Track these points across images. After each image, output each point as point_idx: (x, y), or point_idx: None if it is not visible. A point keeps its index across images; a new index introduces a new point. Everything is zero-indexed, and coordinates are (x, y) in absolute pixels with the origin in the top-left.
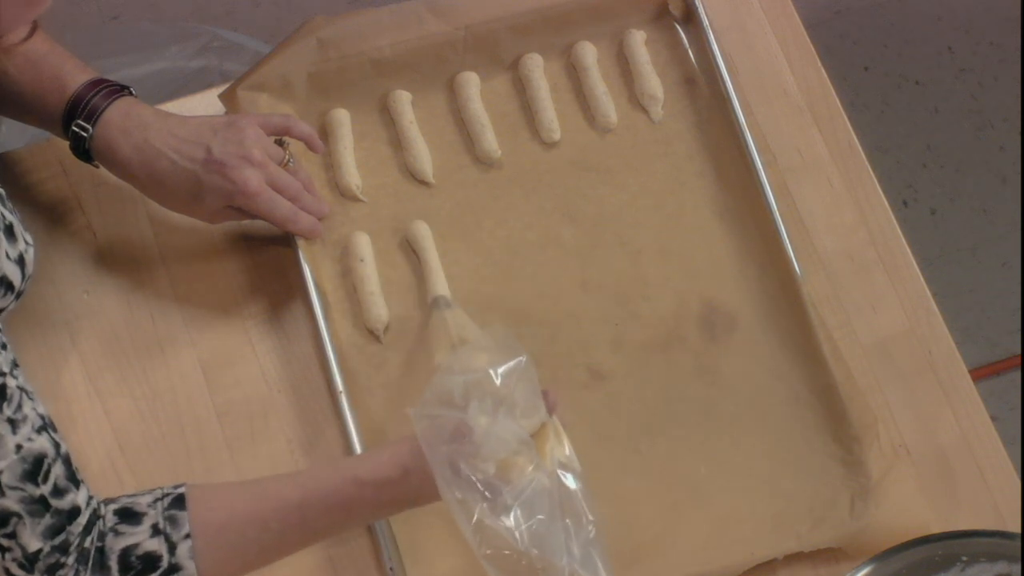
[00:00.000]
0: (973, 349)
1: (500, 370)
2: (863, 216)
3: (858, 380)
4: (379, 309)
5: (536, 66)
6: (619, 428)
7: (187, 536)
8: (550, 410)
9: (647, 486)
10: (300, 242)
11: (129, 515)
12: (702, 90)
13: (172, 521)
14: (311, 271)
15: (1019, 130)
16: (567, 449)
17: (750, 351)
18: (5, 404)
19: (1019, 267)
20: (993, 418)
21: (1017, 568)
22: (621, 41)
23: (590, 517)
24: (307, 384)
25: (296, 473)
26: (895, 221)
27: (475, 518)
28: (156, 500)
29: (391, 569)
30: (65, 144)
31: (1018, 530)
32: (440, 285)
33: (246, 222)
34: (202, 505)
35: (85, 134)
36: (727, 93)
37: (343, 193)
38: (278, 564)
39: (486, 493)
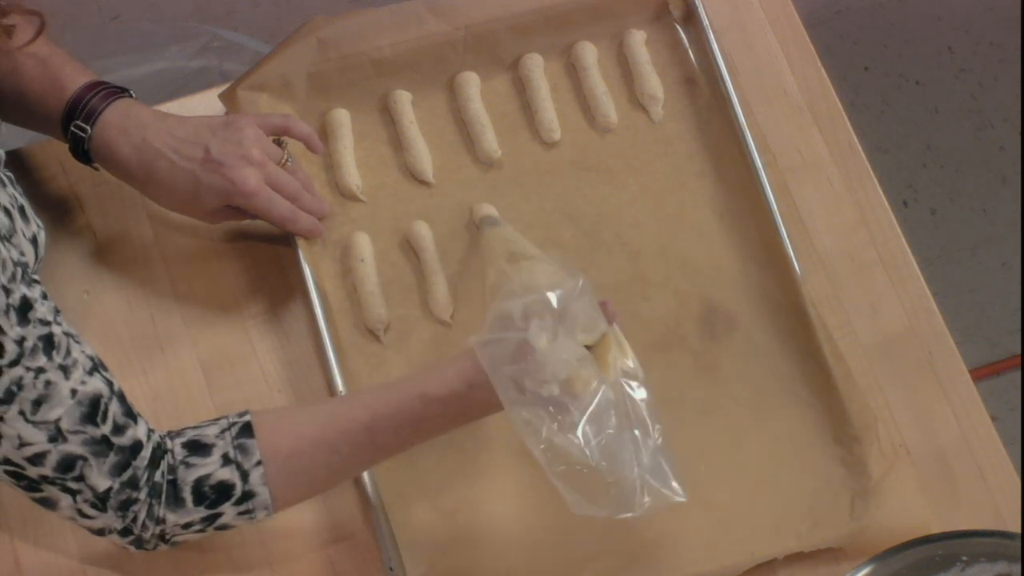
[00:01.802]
0: (973, 349)
1: (557, 293)
2: (863, 216)
3: (858, 380)
4: (379, 309)
5: (536, 66)
6: None
7: (258, 463)
8: (609, 320)
9: None
10: (300, 242)
11: (198, 447)
12: (702, 90)
13: (242, 449)
14: (311, 271)
15: (1019, 130)
16: (630, 358)
17: (750, 351)
18: (55, 352)
19: (1019, 267)
20: (993, 418)
21: (1017, 568)
22: (621, 41)
23: (656, 424)
24: (307, 384)
25: (361, 393)
26: (895, 221)
27: (543, 436)
28: (223, 430)
29: (391, 569)
30: (65, 143)
31: (1018, 530)
32: (440, 285)
33: (246, 222)
34: (270, 432)
35: (84, 135)
36: (727, 93)
37: (343, 193)
38: (278, 563)
39: (552, 410)
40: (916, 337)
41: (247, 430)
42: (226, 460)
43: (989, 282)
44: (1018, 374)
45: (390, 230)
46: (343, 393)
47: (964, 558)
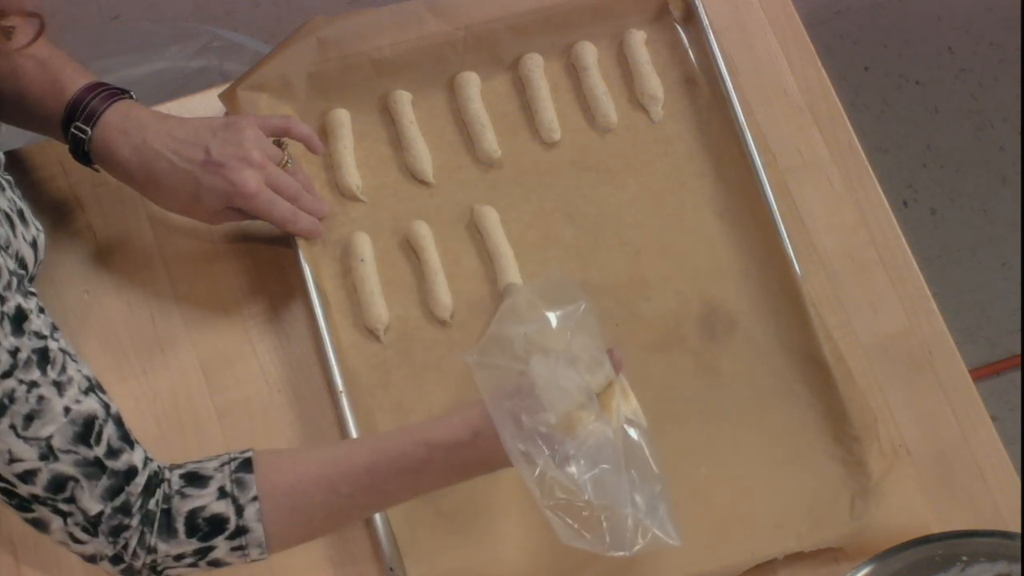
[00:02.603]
0: (973, 349)
1: (558, 313)
2: (863, 216)
3: (858, 380)
4: (379, 309)
5: (536, 66)
6: None
7: (254, 499)
8: (616, 368)
9: None
10: (300, 242)
11: (195, 479)
12: (702, 90)
13: (239, 484)
14: (311, 271)
15: (1019, 130)
16: (634, 405)
17: (750, 351)
18: (49, 367)
19: (1019, 267)
20: (993, 418)
21: (1017, 568)
22: (621, 41)
23: (656, 471)
24: (307, 384)
25: (366, 437)
26: (895, 221)
27: (538, 469)
28: (223, 464)
29: (391, 569)
30: (65, 144)
31: (1018, 530)
32: (440, 285)
33: (246, 223)
34: (270, 468)
35: (84, 136)
36: (727, 93)
37: (343, 193)
38: (278, 562)
39: (549, 445)
40: (916, 337)
41: (247, 465)
42: (222, 493)
43: (989, 282)
44: (1018, 374)
45: (390, 230)
46: (343, 394)
47: (964, 558)
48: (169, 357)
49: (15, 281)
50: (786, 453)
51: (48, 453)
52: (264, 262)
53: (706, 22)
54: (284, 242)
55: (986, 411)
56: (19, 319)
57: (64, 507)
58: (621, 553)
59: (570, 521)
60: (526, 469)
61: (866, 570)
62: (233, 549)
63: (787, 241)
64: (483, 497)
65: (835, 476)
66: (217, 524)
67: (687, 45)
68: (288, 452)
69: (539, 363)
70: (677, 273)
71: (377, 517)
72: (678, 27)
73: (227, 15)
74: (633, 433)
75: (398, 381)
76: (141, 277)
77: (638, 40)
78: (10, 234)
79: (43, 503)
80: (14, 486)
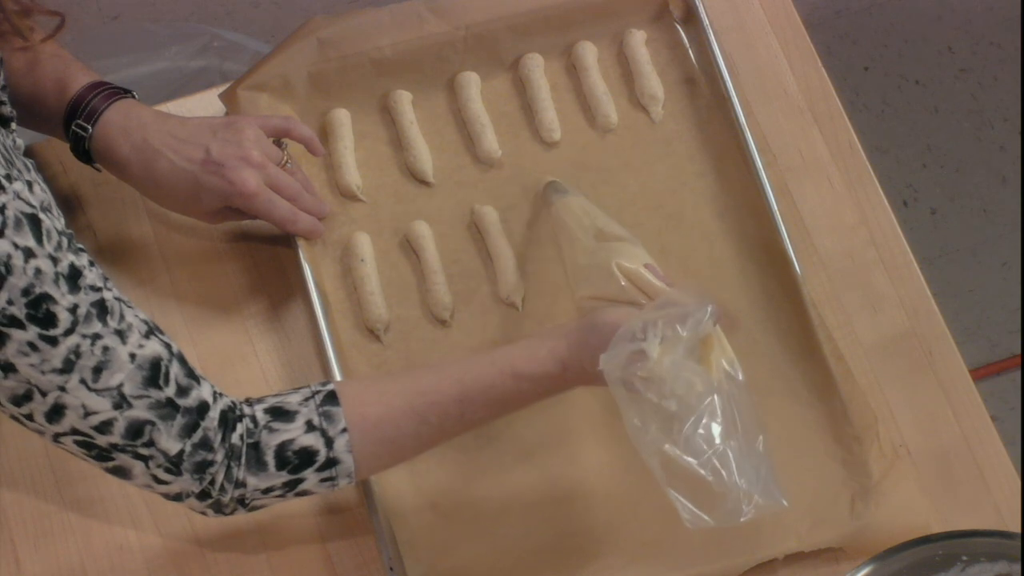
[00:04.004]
0: (973, 349)
1: (688, 323)
2: (863, 216)
3: (858, 380)
4: (379, 309)
5: (536, 66)
6: (620, 427)
7: (344, 431)
8: (716, 318)
9: (648, 486)
10: (300, 242)
11: (281, 413)
12: (702, 90)
13: (327, 417)
14: (311, 271)
15: (1019, 130)
16: (730, 355)
17: (750, 351)
18: (109, 317)
19: (1019, 267)
20: (993, 418)
21: (1017, 568)
22: (621, 41)
23: (756, 427)
24: (307, 384)
25: (450, 365)
26: (895, 221)
27: (657, 446)
28: (306, 399)
29: (391, 569)
30: (66, 143)
31: (1018, 530)
32: (440, 285)
33: (246, 222)
34: (356, 400)
35: (84, 134)
36: (727, 93)
37: (343, 193)
38: (279, 563)
39: (663, 420)
40: (916, 337)
41: (332, 398)
42: (310, 427)
43: (989, 282)
44: (1018, 374)
45: (390, 230)
46: None
47: (964, 558)
48: None
49: (65, 241)
50: (786, 453)
51: (121, 401)
52: (264, 262)
53: (706, 22)
54: (284, 242)
55: (986, 411)
56: (74, 276)
57: (144, 451)
58: (736, 522)
59: (690, 504)
60: (645, 446)
61: (866, 570)
62: (322, 480)
63: (787, 241)
64: (483, 497)
65: (835, 476)
66: (307, 457)
67: (687, 45)
68: (372, 383)
69: (653, 336)
70: (677, 273)
71: (377, 517)
72: (678, 27)
73: (227, 15)
74: (729, 385)
75: None
76: (141, 277)
77: (638, 40)
78: (51, 199)
79: (122, 450)
80: (92, 438)
